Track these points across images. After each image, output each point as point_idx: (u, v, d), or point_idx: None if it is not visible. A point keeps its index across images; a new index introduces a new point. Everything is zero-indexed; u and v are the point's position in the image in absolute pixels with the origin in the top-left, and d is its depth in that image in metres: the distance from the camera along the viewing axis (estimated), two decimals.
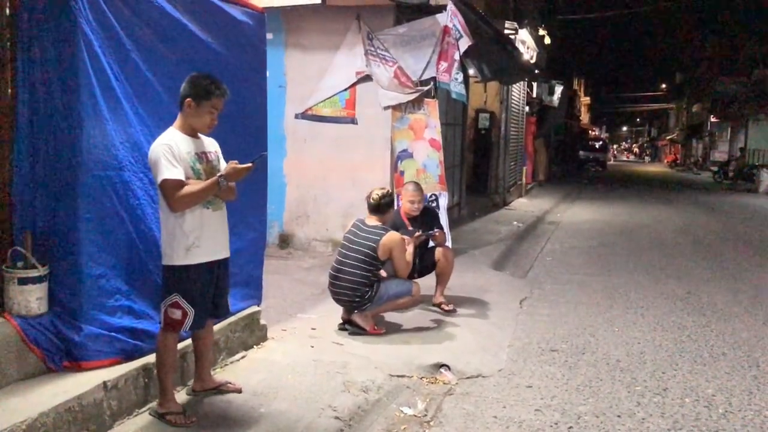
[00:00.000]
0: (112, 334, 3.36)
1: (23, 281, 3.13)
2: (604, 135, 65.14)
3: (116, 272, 3.41)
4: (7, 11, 3.18)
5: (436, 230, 5.67)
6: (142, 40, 3.54)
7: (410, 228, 5.55)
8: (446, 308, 5.72)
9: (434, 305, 5.78)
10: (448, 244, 6.44)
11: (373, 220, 5.03)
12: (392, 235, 4.93)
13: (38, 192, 3.25)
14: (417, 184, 5.86)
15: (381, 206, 5.02)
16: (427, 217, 5.85)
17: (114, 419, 3.23)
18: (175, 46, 3.75)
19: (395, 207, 5.52)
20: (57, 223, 3.25)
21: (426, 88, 7.31)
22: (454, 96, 7.32)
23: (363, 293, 4.89)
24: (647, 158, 65.55)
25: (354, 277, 4.88)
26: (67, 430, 2.94)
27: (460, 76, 7.19)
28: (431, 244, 5.81)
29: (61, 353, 3.24)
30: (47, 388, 3.06)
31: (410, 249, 5.20)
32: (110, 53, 3.34)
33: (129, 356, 3.43)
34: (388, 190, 5.13)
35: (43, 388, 3.06)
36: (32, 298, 3.15)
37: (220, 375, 3.95)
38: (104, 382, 3.18)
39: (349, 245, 4.97)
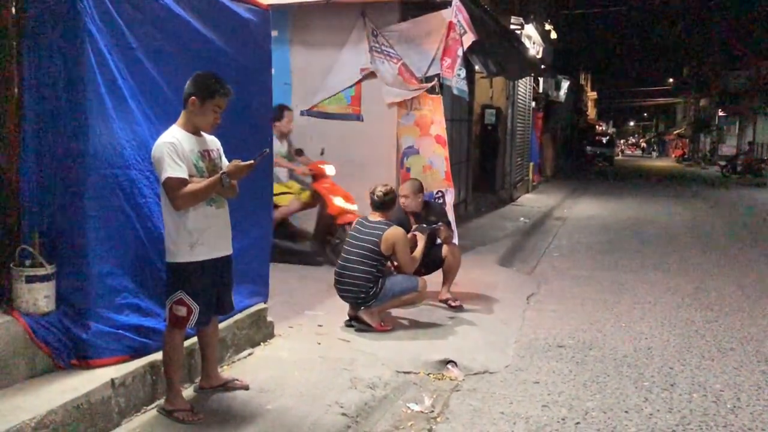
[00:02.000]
0: (120, 331, 3.38)
1: (31, 279, 3.14)
2: (611, 130, 64.83)
3: (123, 270, 3.42)
4: (13, 10, 3.19)
5: (440, 223, 5.65)
6: (148, 39, 3.55)
7: (414, 224, 5.55)
8: (453, 304, 5.71)
9: (441, 301, 5.77)
10: (455, 240, 6.43)
11: (376, 216, 5.05)
12: (395, 229, 4.93)
13: (45, 191, 3.26)
14: (417, 181, 5.87)
15: (385, 203, 5.04)
16: (430, 213, 5.84)
17: (122, 416, 3.24)
18: (180, 44, 3.75)
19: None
20: (64, 221, 3.26)
21: (429, 85, 7.30)
22: (456, 92, 7.30)
23: (368, 289, 4.89)
24: (655, 153, 65.24)
25: (358, 273, 4.89)
26: (76, 428, 2.96)
27: (463, 72, 7.17)
28: (438, 240, 5.80)
29: (69, 351, 3.26)
30: (56, 385, 3.08)
31: (421, 245, 5.21)
32: (116, 52, 3.35)
33: (136, 354, 3.44)
34: (391, 187, 5.14)
35: (51, 385, 3.08)
36: (40, 297, 3.17)
37: (227, 372, 3.97)
38: (112, 380, 3.20)
39: (353, 242, 4.98)
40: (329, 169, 7.12)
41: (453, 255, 5.77)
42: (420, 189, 5.81)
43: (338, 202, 6.96)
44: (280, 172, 7.05)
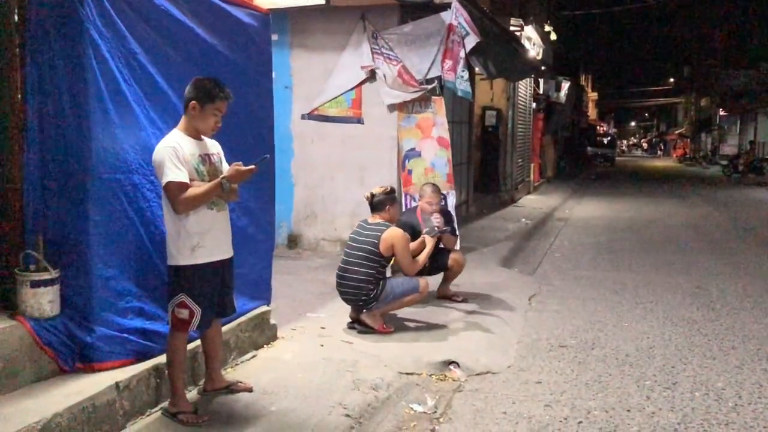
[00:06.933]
0: (124, 335, 3.40)
1: (36, 284, 3.16)
2: (612, 130, 64.79)
3: (127, 274, 3.44)
4: (16, 17, 3.22)
5: (447, 228, 5.68)
6: (150, 44, 3.57)
7: (425, 228, 5.55)
8: (456, 299, 5.75)
9: (440, 297, 5.81)
10: (457, 245, 6.45)
11: (375, 218, 5.05)
12: (393, 230, 4.93)
13: (49, 196, 3.28)
14: (435, 186, 5.90)
15: (376, 203, 5.03)
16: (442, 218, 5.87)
17: (127, 419, 3.27)
18: (182, 48, 3.78)
19: (401, 204, 5.54)
20: (68, 226, 3.28)
21: (429, 87, 7.32)
22: (459, 94, 7.33)
23: (368, 292, 4.90)
24: (660, 152, 65.08)
25: (359, 276, 4.90)
26: (81, 431, 2.98)
27: (466, 74, 7.20)
28: (441, 244, 5.81)
29: (73, 354, 3.28)
30: (61, 389, 3.10)
31: (429, 248, 5.24)
32: (119, 57, 3.37)
33: (140, 357, 3.46)
34: (388, 188, 5.13)
35: (56, 389, 3.10)
36: (45, 301, 3.19)
37: (230, 374, 3.99)
38: (117, 383, 3.22)
39: (353, 244, 5.00)
40: None
41: (458, 263, 5.81)
42: (440, 194, 5.89)
43: None
44: None
